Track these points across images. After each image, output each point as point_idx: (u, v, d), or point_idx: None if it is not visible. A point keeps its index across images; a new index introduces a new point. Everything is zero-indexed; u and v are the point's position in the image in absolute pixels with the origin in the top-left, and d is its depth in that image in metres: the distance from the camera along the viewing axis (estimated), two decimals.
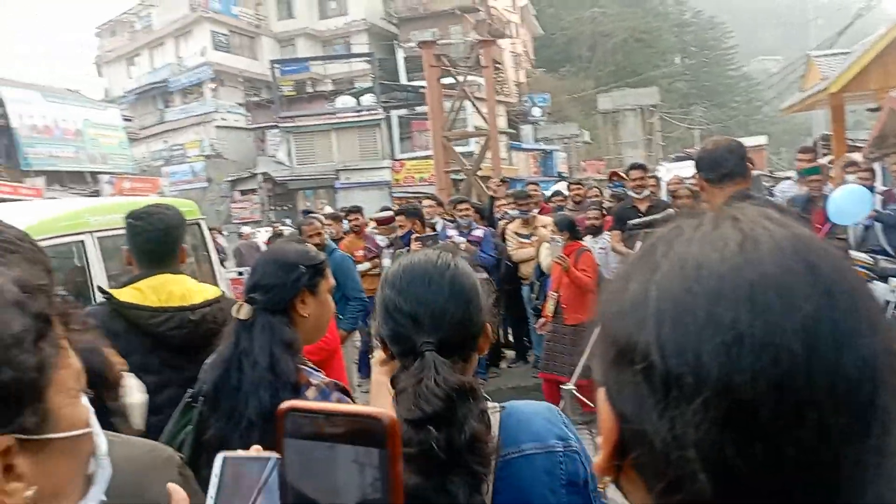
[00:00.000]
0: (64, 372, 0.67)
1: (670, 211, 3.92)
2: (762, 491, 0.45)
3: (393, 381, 1.15)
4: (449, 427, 1.02)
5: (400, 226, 6.30)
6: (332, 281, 2.06)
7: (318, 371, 1.92)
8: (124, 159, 26.81)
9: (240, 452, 0.68)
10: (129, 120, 31.48)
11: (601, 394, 0.54)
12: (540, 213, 7.89)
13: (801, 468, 0.45)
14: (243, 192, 29.97)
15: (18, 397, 0.62)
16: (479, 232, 7.17)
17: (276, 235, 10.52)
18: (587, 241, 6.97)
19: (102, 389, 1.16)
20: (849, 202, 6.17)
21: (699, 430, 0.45)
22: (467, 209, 7.40)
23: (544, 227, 7.17)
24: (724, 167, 2.79)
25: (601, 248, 6.89)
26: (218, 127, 32.32)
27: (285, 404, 0.54)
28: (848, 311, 0.47)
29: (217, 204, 29.88)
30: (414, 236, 5.42)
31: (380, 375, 1.63)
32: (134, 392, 1.28)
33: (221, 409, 1.82)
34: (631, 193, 6.86)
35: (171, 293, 2.45)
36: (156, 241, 2.54)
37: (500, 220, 8.08)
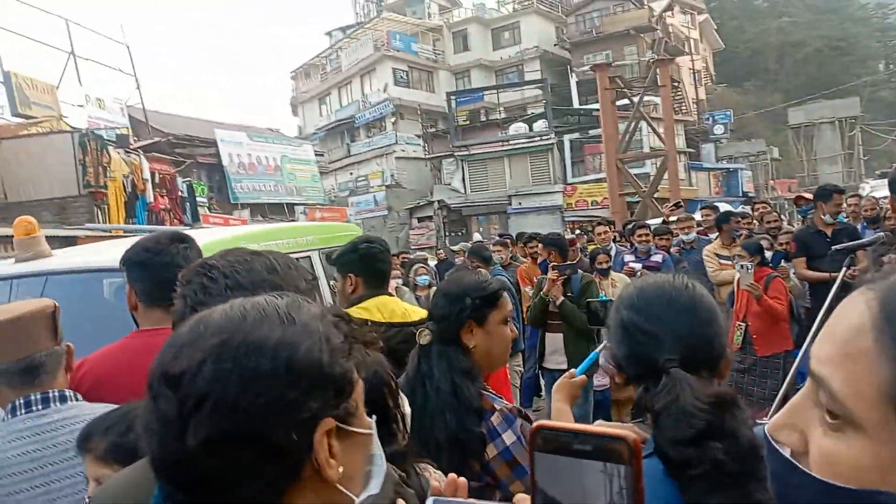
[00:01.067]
0: (359, 384, 0.85)
1: (881, 234, 3.56)
2: None
3: (639, 403, 1.16)
4: (725, 438, 1.02)
5: (539, 254, 6.19)
6: (507, 310, 2.05)
7: (500, 397, 1.95)
8: (316, 191, 29.00)
9: (450, 498, 0.82)
10: (321, 155, 34.02)
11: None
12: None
13: None
14: (420, 220, 31.22)
15: (342, 390, 0.79)
16: (657, 257, 6.94)
17: (441, 262, 10.84)
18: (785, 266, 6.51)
19: (389, 398, 1.34)
20: None
21: None
22: (646, 234, 7.19)
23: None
24: None
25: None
26: (398, 158, 34.04)
27: (536, 423, 0.60)
28: None
29: (396, 231, 31.36)
30: (551, 265, 5.32)
31: (559, 403, 1.74)
32: (405, 402, 1.46)
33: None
34: (826, 218, 6.16)
35: (392, 311, 2.70)
36: (386, 262, 2.86)
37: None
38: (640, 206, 18.89)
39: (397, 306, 2.75)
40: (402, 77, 36.49)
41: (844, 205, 6.33)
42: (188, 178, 18.74)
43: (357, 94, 38.01)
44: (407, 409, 1.41)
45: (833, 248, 4.52)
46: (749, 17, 52.09)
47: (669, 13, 36.03)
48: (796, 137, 37.44)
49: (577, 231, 14.14)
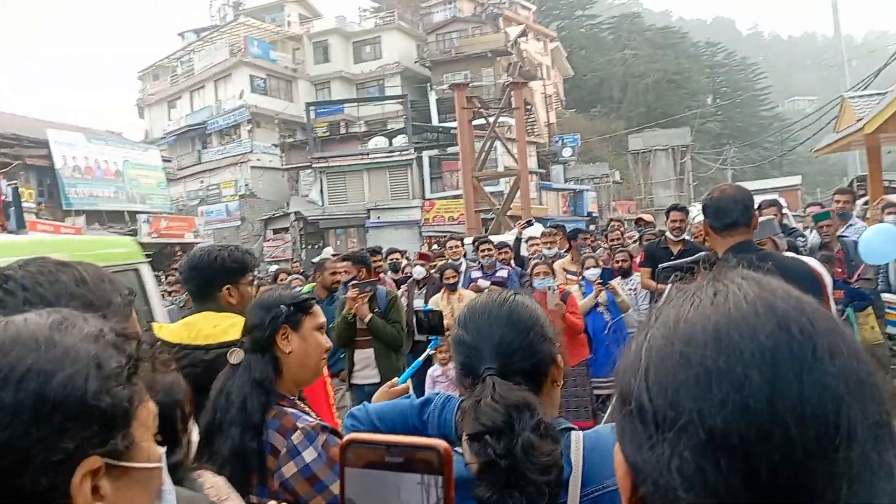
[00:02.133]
0: (145, 410, 0.75)
1: (703, 254, 3.85)
2: None
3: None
4: (506, 439, 1.08)
5: (345, 271, 6.01)
6: (320, 319, 2.08)
7: (307, 414, 1.93)
8: (162, 199, 27.46)
9: None
10: (168, 161, 32.31)
11: (617, 445, 0.57)
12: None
13: (775, 485, 0.48)
14: (276, 231, 30.41)
15: (112, 423, 0.71)
16: (503, 272, 7.15)
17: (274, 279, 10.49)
18: (616, 282, 6.93)
19: (180, 423, 1.25)
20: (880, 241, 6.05)
21: (681, 457, 0.49)
22: (489, 249, 7.39)
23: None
24: (729, 217, 2.75)
25: (630, 289, 6.83)
26: (253, 167, 33.00)
27: (347, 437, 0.58)
28: (805, 340, 0.51)
29: (250, 242, 30.34)
30: (352, 283, 5.36)
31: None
32: (195, 430, 1.35)
33: (209, 450, 1.85)
34: (668, 235, 6.76)
35: (199, 331, 2.47)
36: (208, 271, 2.59)
37: (531, 258, 8.05)
38: (495, 223, 19.48)
39: (207, 325, 2.49)
40: (259, 84, 35.48)
41: (686, 224, 6.85)
42: (14, 182, 17.07)
43: (210, 99, 36.49)
44: (195, 437, 1.35)
45: (660, 266, 4.89)
46: (596, 48, 55.58)
47: (524, 39, 37.65)
48: (635, 162, 40.26)
49: (435, 246, 14.31)
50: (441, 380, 6.37)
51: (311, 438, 1.83)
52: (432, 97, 32.64)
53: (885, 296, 6.60)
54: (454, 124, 23.44)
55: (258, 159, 33.35)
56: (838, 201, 8.44)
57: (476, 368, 1.24)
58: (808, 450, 0.48)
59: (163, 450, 0.78)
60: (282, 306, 2.00)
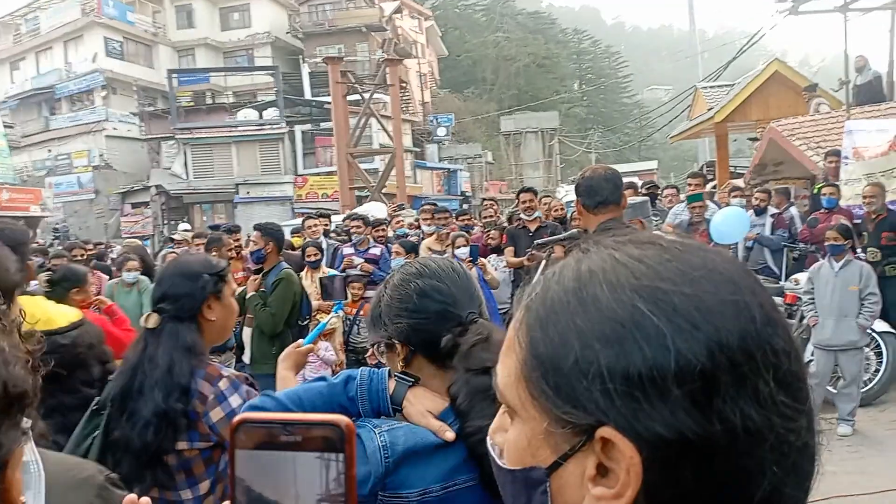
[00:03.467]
0: None
1: (574, 231, 4.03)
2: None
3: (451, 353, 1.29)
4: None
5: (254, 242, 5.72)
6: (234, 285, 2.26)
7: (228, 365, 2.16)
8: (4, 168, 25.03)
9: None
10: (10, 127, 29.49)
11: (607, 434, 0.50)
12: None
13: (811, 418, 0.51)
14: (135, 206, 28.67)
15: None
16: (376, 250, 7.15)
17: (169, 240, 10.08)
18: (492, 258, 7.08)
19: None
20: (727, 224, 6.57)
21: (749, 407, 0.48)
22: (359, 226, 7.37)
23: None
24: (600, 195, 2.94)
25: (502, 267, 7.01)
26: (108, 136, 30.79)
27: (238, 416, 0.54)
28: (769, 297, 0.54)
29: (106, 217, 28.41)
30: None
31: (284, 371, 1.92)
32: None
33: (127, 411, 1.99)
34: (522, 216, 7.03)
35: (38, 316, 2.33)
36: None
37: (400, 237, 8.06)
38: (369, 200, 19.35)
39: (37, 309, 2.37)
40: (115, 48, 33.00)
41: (536, 203, 7.14)
42: None
43: (59, 61, 33.58)
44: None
45: (535, 242, 5.08)
46: (470, 29, 56.16)
47: (399, 15, 37.39)
48: (507, 144, 41.27)
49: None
50: (312, 359, 6.29)
51: (236, 386, 2.04)
52: (305, 70, 31.77)
53: None
54: (328, 99, 22.96)
55: (114, 128, 31.14)
56: (690, 184, 9.06)
57: (455, 315, 1.33)
58: (788, 398, 0.50)
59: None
60: (206, 276, 2.12)
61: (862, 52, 11.87)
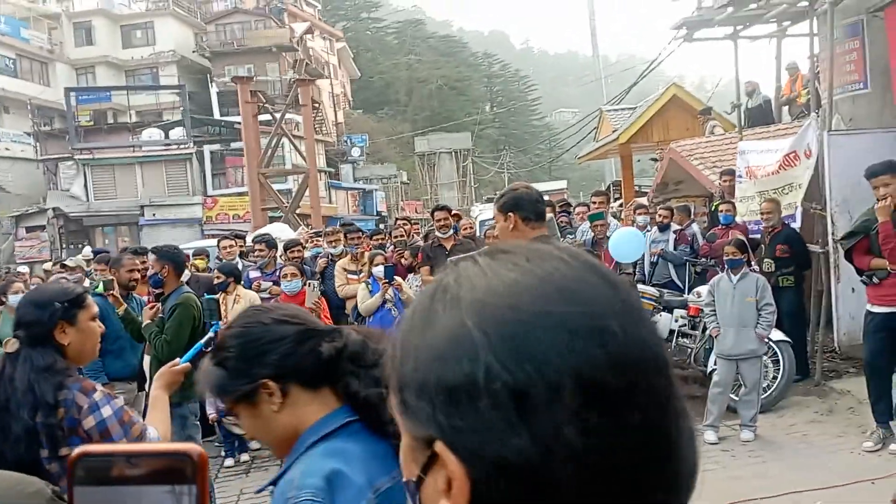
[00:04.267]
0: None
1: (486, 247, 4.10)
2: (619, 472, 0.48)
3: (329, 366, 1.33)
4: None
5: (151, 266, 5.69)
6: (94, 310, 2.39)
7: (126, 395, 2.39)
8: None
9: None
10: None
11: (438, 449, 0.50)
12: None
13: (651, 437, 0.49)
14: (30, 230, 27.07)
15: None
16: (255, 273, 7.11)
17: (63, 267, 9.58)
18: (410, 278, 7.08)
19: None
20: (623, 244, 6.83)
21: (566, 423, 0.46)
22: (262, 249, 7.26)
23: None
24: (540, 209, 3.15)
25: (418, 286, 7.01)
26: (1, 157, 29.02)
27: (77, 450, 0.50)
28: (632, 297, 0.53)
29: None
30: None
31: (158, 391, 2.14)
32: None
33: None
34: (437, 234, 7.08)
35: None
36: None
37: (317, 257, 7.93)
38: (283, 221, 19.00)
39: None
40: (7, 65, 31.24)
41: (451, 221, 7.22)
42: None
43: None
44: None
45: (451, 259, 5.13)
46: (382, 51, 56.45)
47: (310, 36, 37.16)
48: (422, 164, 41.55)
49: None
50: None
51: (109, 399, 2.27)
52: (213, 89, 31.03)
53: (640, 286, 7.42)
54: (238, 118, 22.49)
55: (7, 148, 29.35)
56: (594, 202, 9.36)
57: (315, 331, 1.36)
58: (663, 396, 0.49)
59: None
60: (56, 304, 2.27)
61: (752, 78, 12.66)
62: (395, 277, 6.41)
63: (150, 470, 0.48)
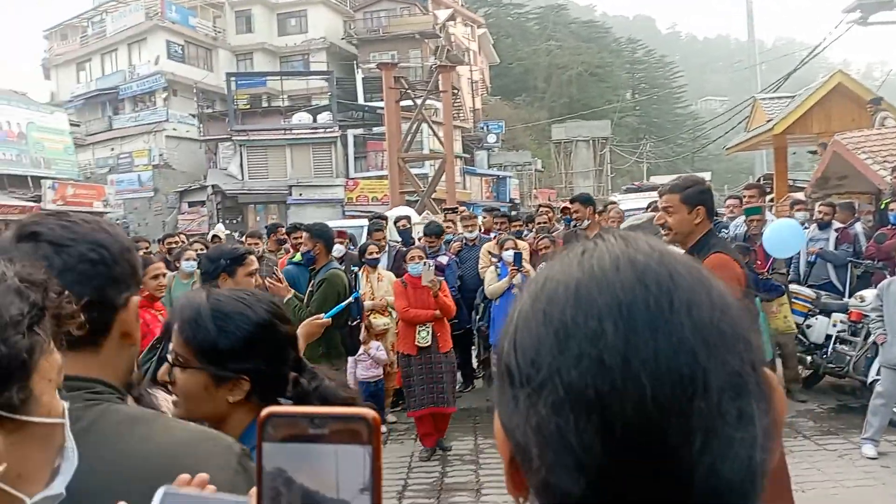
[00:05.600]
0: (48, 362, 0.71)
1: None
2: (604, 469, 0.48)
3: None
4: None
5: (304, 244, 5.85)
6: (252, 268, 3.12)
7: None
8: (69, 165, 25.98)
9: (182, 491, 0.70)
10: (77, 125, 30.60)
11: (495, 412, 0.56)
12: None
13: (630, 440, 0.47)
14: (191, 204, 29.39)
15: (8, 374, 0.67)
16: (443, 259, 7.22)
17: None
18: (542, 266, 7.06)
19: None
20: (778, 237, 6.39)
21: (539, 414, 0.49)
22: (431, 241, 7.44)
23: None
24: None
25: None
26: (168, 137, 31.68)
27: (265, 411, 0.54)
28: (662, 294, 0.50)
29: (164, 215, 29.21)
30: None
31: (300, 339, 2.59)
32: None
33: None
34: (575, 224, 6.87)
35: None
36: None
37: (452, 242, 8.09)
38: (419, 205, 19.47)
39: None
40: (176, 51, 33.96)
41: (584, 214, 7.00)
42: None
43: (123, 63, 34.70)
44: None
45: None
46: (522, 37, 56.13)
47: (452, 23, 37.59)
48: (557, 152, 41.03)
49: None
50: (363, 358, 6.38)
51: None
52: (359, 75, 32.16)
53: (793, 287, 7.00)
54: (380, 104, 23.19)
55: (174, 129, 32.04)
56: (746, 196, 8.87)
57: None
58: (662, 404, 0.47)
59: (66, 405, 0.75)
60: (221, 260, 3.05)
61: None
62: (524, 263, 6.38)
63: (332, 430, 0.52)
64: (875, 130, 10.59)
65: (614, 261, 0.53)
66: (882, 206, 8.15)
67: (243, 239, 8.47)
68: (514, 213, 24.47)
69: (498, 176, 35.23)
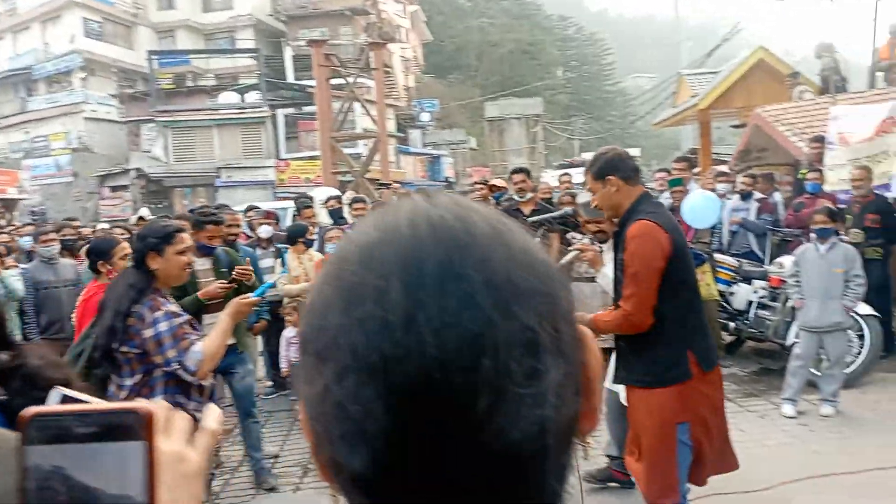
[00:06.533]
0: None
1: (568, 210, 4.02)
2: (389, 437, 0.45)
3: None
4: None
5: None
6: (182, 245, 3.13)
7: (173, 303, 3.15)
8: None
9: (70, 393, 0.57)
10: None
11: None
12: None
13: (415, 403, 0.44)
14: (114, 189, 28.26)
15: None
16: None
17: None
18: None
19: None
20: (696, 208, 6.58)
21: (329, 384, 0.47)
22: (363, 208, 7.38)
23: None
24: (635, 166, 3.17)
25: None
26: (87, 119, 30.26)
27: (28, 411, 0.50)
28: (453, 249, 0.47)
29: (84, 200, 28.00)
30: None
31: (226, 317, 3.22)
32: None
33: (97, 324, 3.09)
34: (515, 197, 6.98)
35: None
36: None
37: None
38: (353, 185, 19.23)
39: None
40: (94, 29, 32.36)
41: (529, 184, 7.08)
42: None
43: (37, 41, 32.86)
44: None
45: (529, 220, 5.07)
46: (454, 14, 55.80)
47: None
48: (490, 129, 41.13)
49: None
50: (295, 341, 6.27)
51: (169, 317, 2.99)
52: (288, 53, 31.40)
53: (717, 256, 7.20)
54: (311, 83, 22.71)
55: (93, 110, 30.60)
56: (675, 169, 9.07)
57: None
58: (446, 363, 0.44)
59: None
60: (149, 238, 3.07)
61: (843, 43, 11.97)
62: None
63: (100, 427, 0.49)
64: (793, 103, 10.97)
65: (410, 218, 0.50)
66: (800, 177, 8.46)
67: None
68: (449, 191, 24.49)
69: (432, 155, 35.12)
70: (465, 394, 0.44)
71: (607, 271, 3.86)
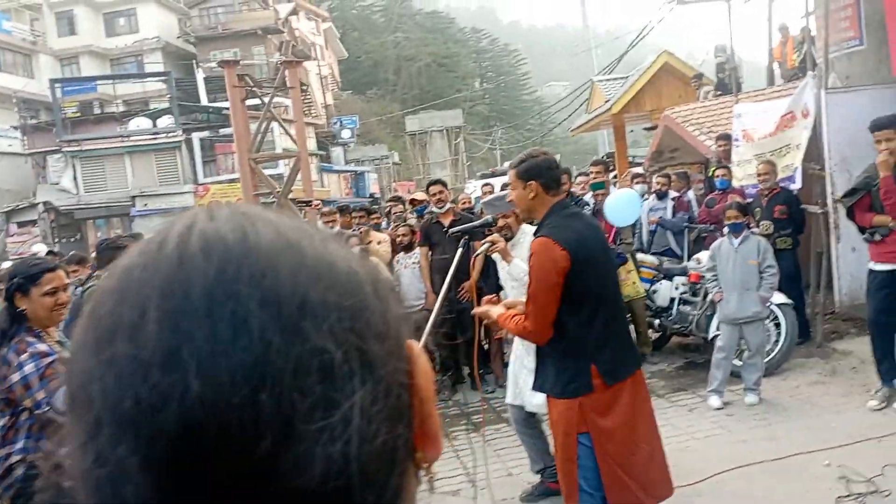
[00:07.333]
0: None
1: (488, 218, 4.00)
2: None
3: None
4: None
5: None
6: (48, 287, 2.99)
7: (43, 343, 3.03)
8: None
9: None
10: None
11: None
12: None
13: (185, 457, 0.37)
14: (21, 224, 26.84)
15: None
16: None
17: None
18: (400, 257, 7.01)
19: None
20: (618, 206, 6.72)
21: (81, 443, 0.40)
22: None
23: (379, 242, 7.12)
24: (558, 177, 3.12)
25: (414, 263, 6.94)
26: None
27: None
28: (225, 266, 0.40)
29: None
30: None
31: None
32: None
33: None
34: (433, 209, 6.98)
35: None
36: None
37: None
38: (276, 207, 18.85)
39: None
40: None
41: (447, 195, 7.07)
42: None
43: None
44: None
45: (448, 232, 5.04)
46: (369, 30, 55.80)
47: (295, 17, 36.67)
48: (413, 143, 41.25)
49: None
50: None
51: (35, 359, 2.84)
52: (199, 75, 30.61)
53: (639, 255, 7.36)
54: (226, 104, 22.16)
55: None
56: (592, 172, 9.25)
57: None
58: (216, 403, 0.37)
59: None
60: (14, 279, 2.94)
61: (741, 43, 12.57)
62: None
63: None
64: (700, 103, 11.40)
65: (178, 236, 0.42)
66: (710, 174, 8.77)
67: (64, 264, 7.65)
68: (375, 206, 24.36)
69: (356, 171, 34.88)
70: (240, 438, 0.37)
71: (519, 262, 4.04)
